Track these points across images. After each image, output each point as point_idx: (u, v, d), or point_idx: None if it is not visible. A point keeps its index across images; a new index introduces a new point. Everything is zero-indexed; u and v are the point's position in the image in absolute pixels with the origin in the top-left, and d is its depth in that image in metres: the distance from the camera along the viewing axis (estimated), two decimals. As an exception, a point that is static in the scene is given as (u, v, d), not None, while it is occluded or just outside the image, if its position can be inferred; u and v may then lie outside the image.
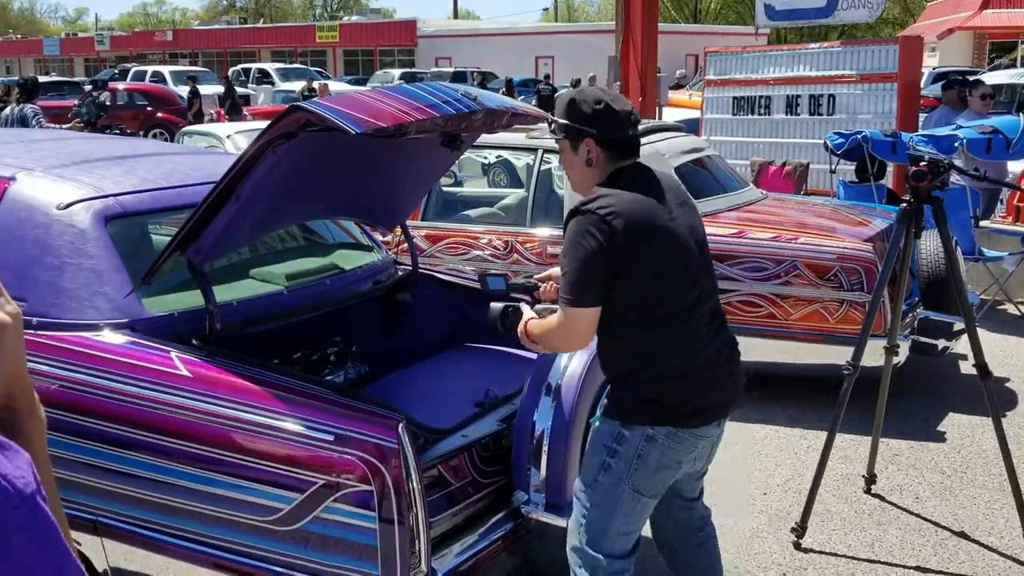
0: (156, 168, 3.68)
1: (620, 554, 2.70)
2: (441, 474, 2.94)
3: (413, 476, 2.66)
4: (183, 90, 22.25)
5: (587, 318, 2.53)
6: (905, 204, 3.61)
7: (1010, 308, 7.07)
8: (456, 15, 57.48)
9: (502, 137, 6.00)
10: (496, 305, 2.88)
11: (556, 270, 2.82)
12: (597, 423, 2.74)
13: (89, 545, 2.92)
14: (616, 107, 2.67)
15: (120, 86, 22.19)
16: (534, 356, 3.29)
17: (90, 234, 3.14)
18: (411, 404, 3.49)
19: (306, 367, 3.62)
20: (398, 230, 4.29)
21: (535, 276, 3.06)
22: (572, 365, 3.16)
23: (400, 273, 4.22)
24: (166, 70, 27.28)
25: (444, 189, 6.76)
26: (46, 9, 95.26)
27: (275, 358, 3.19)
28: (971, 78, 11.23)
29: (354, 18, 52.35)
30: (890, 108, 9.02)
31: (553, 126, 2.72)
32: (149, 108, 20.11)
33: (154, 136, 18.32)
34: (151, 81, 25.05)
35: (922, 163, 3.53)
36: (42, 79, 26.55)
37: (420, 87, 3.25)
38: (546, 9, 63.47)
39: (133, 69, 29.42)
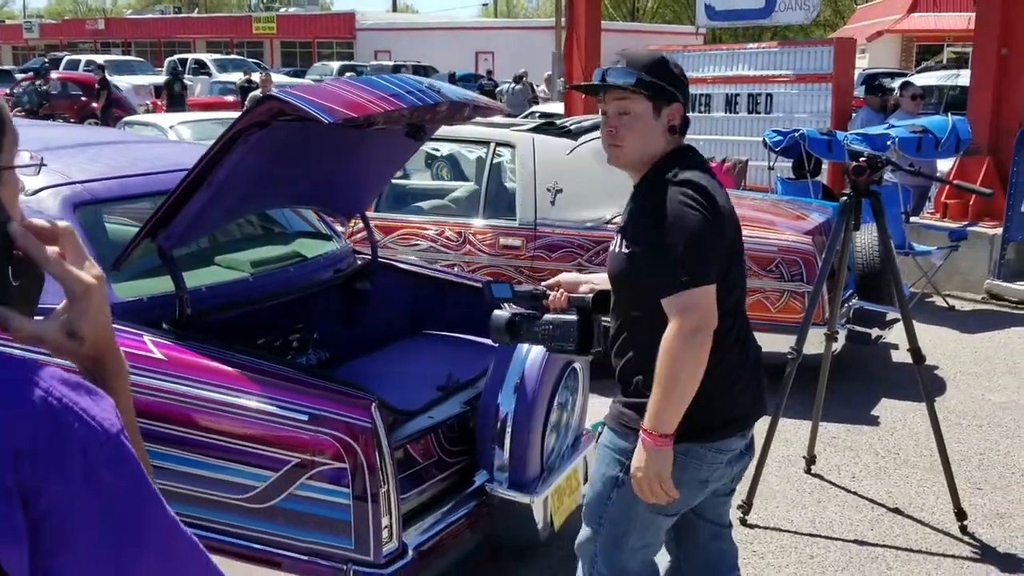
0: (121, 156, 3.72)
1: (638, 570, 2.55)
2: (409, 454, 3.04)
3: (385, 454, 2.77)
4: (119, 80, 21.89)
5: (711, 297, 2.21)
6: (845, 198, 3.81)
7: (938, 300, 7.39)
8: (395, 8, 57.21)
9: (457, 130, 6.11)
10: (501, 314, 2.64)
11: (565, 276, 2.69)
12: (602, 429, 2.55)
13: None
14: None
15: (53, 75, 21.73)
16: (493, 343, 3.41)
17: (59, 220, 3.17)
18: (375, 387, 3.60)
19: (270, 353, 3.69)
20: (355, 220, 4.38)
21: (543, 283, 2.69)
22: (535, 349, 3.29)
23: (359, 262, 4.31)
24: (100, 59, 26.72)
25: (395, 181, 6.84)
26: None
27: (240, 343, 3.26)
28: (900, 80, 11.64)
29: (292, 9, 51.78)
30: (825, 107, 9.29)
31: (635, 81, 2.32)
32: (84, 97, 19.73)
33: (88, 124, 17.99)
34: (85, 71, 24.53)
35: (861, 159, 3.73)
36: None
37: (387, 79, 3.35)
38: (485, 4, 63.52)
39: (66, 58, 28.77)
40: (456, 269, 5.42)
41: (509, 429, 3.19)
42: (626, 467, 2.35)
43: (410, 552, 2.85)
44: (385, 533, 2.78)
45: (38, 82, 17.47)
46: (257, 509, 2.78)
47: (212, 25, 48.69)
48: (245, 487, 2.76)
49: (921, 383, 3.94)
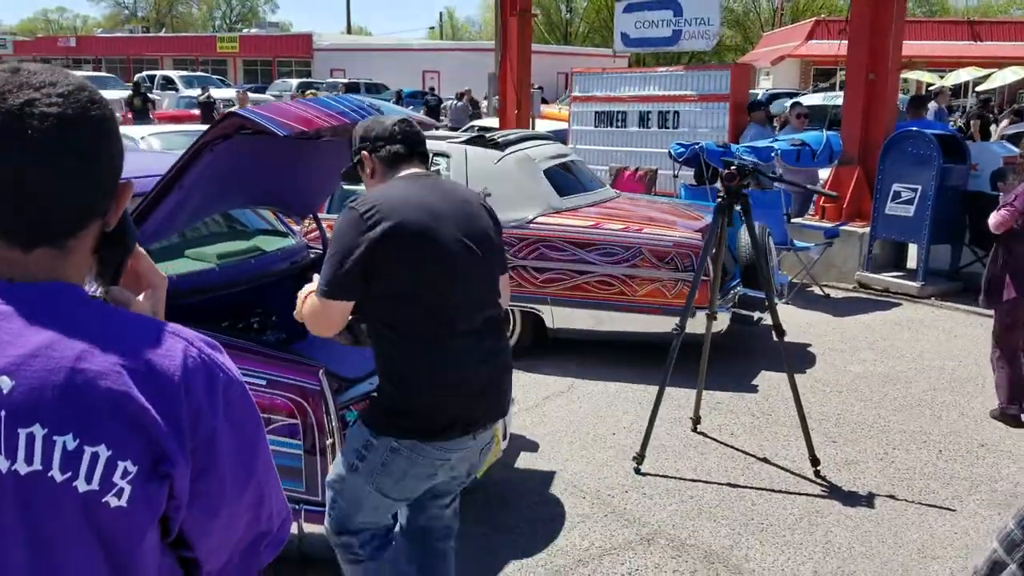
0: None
1: (371, 527, 2.59)
2: (352, 412, 3.31)
3: (331, 412, 3.03)
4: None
5: (333, 311, 2.37)
6: (719, 200, 4.16)
7: (816, 289, 7.84)
8: (349, 30, 56.96)
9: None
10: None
11: None
12: (353, 422, 2.72)
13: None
14: (386, 124, 2.61)
15: (29, 89, 21.29)
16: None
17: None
18: (326, 359, 3.85)
19: (233, 333, 3.91)
20: (308, 220, 4.62)
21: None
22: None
23: (312, 255, 4.55)
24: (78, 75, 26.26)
25: (347, 187, 7.06)
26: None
27: (207, 326, 3.48)
28: (790, 100, 12.13)
29: (253, 30, 51.27)
30: (723, 123, 9.70)
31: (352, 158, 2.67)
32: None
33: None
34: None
35: (732, 167, 4.09)
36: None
37: (333, 99, 3.61)
38: (432, 27, 63.57)
39: (40, 73, 28.16)
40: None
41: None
42: (360, 455, 2.45)
43: (353, 493, 3.11)
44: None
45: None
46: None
47: (179, 44, 48.01)
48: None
49: (783, 353, 4.30)
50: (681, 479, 4.16)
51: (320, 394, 3.00)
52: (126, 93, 22.53)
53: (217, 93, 23.40)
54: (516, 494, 3.98)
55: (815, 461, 4.19)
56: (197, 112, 19.64)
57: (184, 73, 32.11)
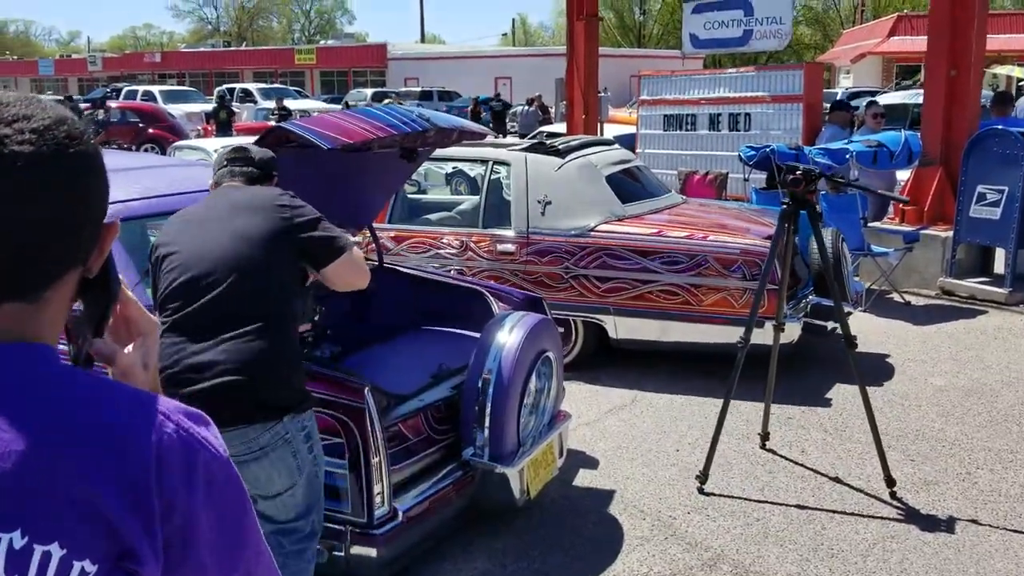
0: (156, 179, 3.93)
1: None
2: (401, 431, 3.23)
3: (377, 431, 2.96)
4: (173, 108, 22.27)
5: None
6: (784, 206, 3.96)
7: (896, 296, 7.49)
8: (423, 39, 57.56)
9: (460, 150, 6.30)
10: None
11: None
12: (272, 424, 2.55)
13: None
14: (222, 155, 2.90)
15: (113, 104, 22.12)
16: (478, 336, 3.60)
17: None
18: (377, 375, 3.78)
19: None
20: (366, 231, 4.58)
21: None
22: (510, 340, 3.47)
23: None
24: (155, 89, 27.16)
25: (409, 196, 7.04)
26: (41, 32, 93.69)
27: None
28: (867, 99, 11.70)
29: (330, 42, 52.24)
30: (796, 125, 9.39)
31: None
32: (141, 124, 20.08)
33: (145, 150, 18.32)
34: (142, 99, 24.96)
35: (797, 172, 3.88)
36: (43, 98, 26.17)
37: (381, 109, 3.56)
38: (505, 34, 63.77)
39: (125, 88, 29.24)
40: (454, 273, 5.61)
41: (488, 410, 3.37)
42: (310, 437, 2.63)
43: (400, 515, 3.04)
44: (377, 499, 2.97)
45: (92, 111, 17.66)
46: (269, 478, 2.98)
47: (258, 57, 49.20)
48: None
49: (853, 365, 4.07)
50: (747, 500, 3.97)
51: (365, 412, 2.92)
52: (208, 106, 23.18)
53: (293, 104, 23.84)
54: (573, 513, 3.85)
55: (890, 481, 3.96)
56: (274, 124, 20.05)
57: (262, 85, 32.84)
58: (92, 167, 0.91)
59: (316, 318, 3.31)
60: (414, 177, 7.59)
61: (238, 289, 2.50)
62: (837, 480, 4.16)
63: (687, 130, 10.29)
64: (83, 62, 55.17)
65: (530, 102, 21.44)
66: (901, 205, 7.90)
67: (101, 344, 1.02)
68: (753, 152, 7.87)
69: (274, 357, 2.50)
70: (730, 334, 5.35)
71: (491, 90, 33.81)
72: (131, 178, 3.83)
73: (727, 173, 9.27)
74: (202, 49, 54.39)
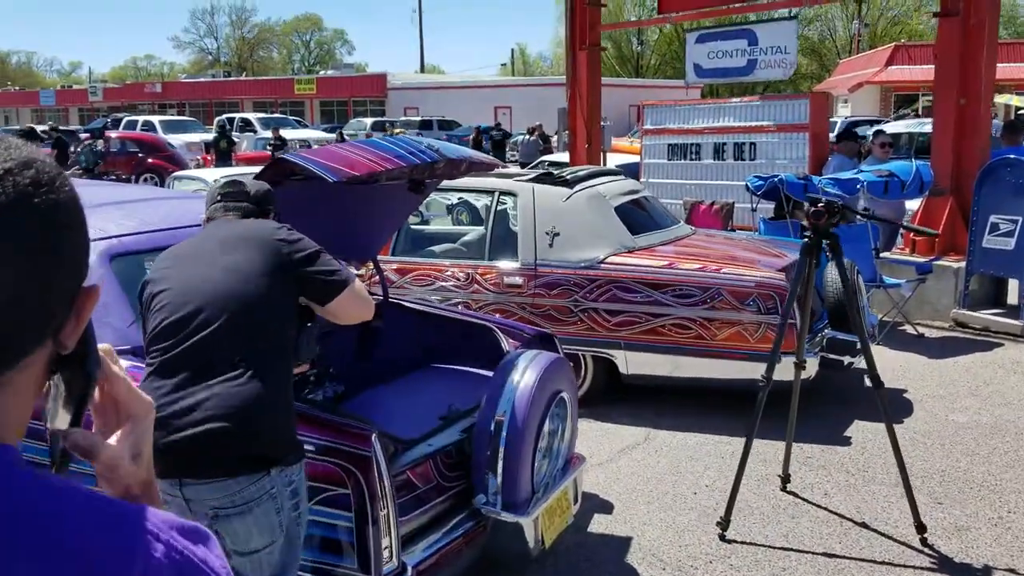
0: (153, 212, 3.77)
1: None
2: (410, 479, 3.04)
3: (385, 481, 2.77)
4: (173, 138, 22.20)
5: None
6: (806, 239, 3.81)
7: (908, 328, 7.33)
8: (423, 69, 57.82)
9: (464, 181, 6.15)
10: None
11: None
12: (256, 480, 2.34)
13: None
14: (214, 189, 2.75)
15: (113, 134, 22.06)
16: (491, 375, 3.43)
17: (97, 271, 3.23)
18: (383, 418, 3.61)
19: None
20: (370, 264, 4.42)
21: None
22: (524, 381, 3.30)
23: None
24: (155, 119, 27.14)
25: (412, 227, 6.89)
26: (42, 63, 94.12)
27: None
28: (875, 128, 11.61)
29: (329, 72, 52.45)
30: (802, 154, 9.29)
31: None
32: (140, 154, 19.97)
33: (144, 180, 18.21)
34: (142, 129, 24.91)
35: (819, 204, 3.73)
36: (38, 128, 26.20)
37: (389, 140, 3.41)
38: (504, 64, 64.12)
39: (125, 119, 29.23)
40: (460, 307, 5.45)
41: (501, 455, 3.19)
42: (296, 493, 2.45)
43: (409, 570, 2.84)
44: (386, 553, 2.78)
45: (91, 142, 17.57)
46: (270, 531, 2.79)
47: (258, 87, 49.34)
48: (259, 511, 2.76)
49: (881, 406, 3.89)
50: (771, 548, 3.77)
51: (372, 461, 2.74)
52: (208, 136, 23.14)
53: (291, 134, 23.80)
54: (589, 563, 3.65)
55: (921, 528, 3.76)
56: (276, 155, 19.99)
57: (262, 115, 32.87)
58: (65, 220, 0.75)
59: (314, 358, 3.14)
60: (423, 210, 7.46)
61: (230, 328, 2.33)
62: (864, 526, 3.97)
63: (692, 159, 10.19)
64: (84, 92, 55.35)
65: (531, 131, 21.40)
66: (914, 236, 7.75)
67: (78, 436, 0.84)
68: (761, 182, 7.76)
69: (266, 403, 2.32)
70: (744, 369, 5.19)
71: (491, 119, 33.86)
72: (127, 211, 3.67)
73: (733, 203, 9.15)
74: (202, 79, 54.60)
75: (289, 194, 3.16)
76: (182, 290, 2.41)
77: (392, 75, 44.77)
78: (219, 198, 2.66)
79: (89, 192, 4.25)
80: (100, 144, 19.78)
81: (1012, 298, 7.47)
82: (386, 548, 2.77)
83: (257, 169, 3.38)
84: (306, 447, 2.78)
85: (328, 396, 3.90)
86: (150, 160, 19.46)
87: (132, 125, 26.57)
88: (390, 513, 2.78)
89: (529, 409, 3.24)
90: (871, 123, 18.22)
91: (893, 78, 30.49)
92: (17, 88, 66.07)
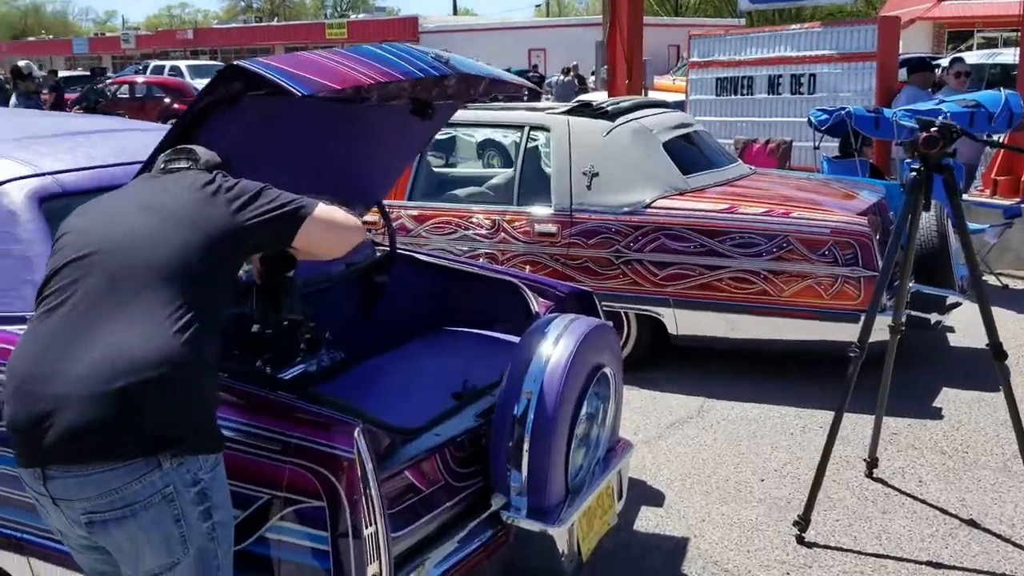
0: (104, 144, 3.08)
1: None
2: (409, 480, 2.37)
3: (372, 488, 2.10)
4: (199, 83, 21.57)
5: (330, 209, 2.06)
6: (914, 173, 3.03)
7: (991, 279, 6.50)
8: (455, 11, 56.46)
9: (489, 114, 5.41)
10: None
11: None
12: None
13: (16, 565, 2.38)
14: None
15: (139, 79, 21.59)
16: (517, 341, 2.74)
17: (21, 216, 2.56)
18: (385, 396, 2.94)
19: (276, 355, 3.01)
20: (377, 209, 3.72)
21: None
22: (557, 352, 2.59)
23: (378, 254, 3.65)
24: (183, 64, 26.59)
25: (434, 169, 6.17)
26: (78, 12, 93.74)
27: (242, 343, 2.60)
28: (949, 57, 10.60)
29: (361, 16, 51.46)
30: (869, 86, 8.42)
31: None
32: (166, 99, 19.50)
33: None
34: (169, 74, 24.39)
35: (933, 128, 2.95)
36: (65, 73, 25.88)
37: (384, 47, 2.66)
38: (538, 5, 62.36)
39: (152, 64, 28.73)
40: (483, 260, 4.76)
41: (526, 445, 2.50)
42: (205, 497, 1.83)
43: (405, 603, 2.19)
44: (374, 582, 2.12)
45: (95, 83, 17.02)
46: (224, 553, 2.15)
47: (289, 32, 48.44)
48: (210, 527, 2.11)
49: (1002, 381, 3.18)
50: (863, 554, 3.06)
51: (355, 463, 2.07)
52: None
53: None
54: (636, 573, 2.98)
55: (1052, 532, 3.04)
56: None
57: (291, 60, 32.09)
58: None
59: (301, 317, 2.49)
60: (439, 148, 6.73)
61: (136, 275, 1.79)
62: (973, 524, 3.24)
63: (743, 94, 9.32)
64: (117, 40, 54.82)
65: (566, 72, 20.42)
66: (998, 172, 6.87)
67: None
68: (826, 116, 6.94)
69: (173, 368, 1.71)
70: (816, 330, 4.45)
71: (525, 62, 32.74)
72: (70, 144, 2.99)
73: (791, 141, 8.29)
74: (233, 25, 53.82)
75: (250, 116, 2.46)
76: (86, 229, 1.91)
77: (424, 18, 43.61)
78: (163, 164, 2.13)
79: (33, 122, 3.59)
80: (99, 84, 19.36)
81: (1111, 245, 6.59)
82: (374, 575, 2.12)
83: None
84: (269, 445, 2.12)
85: (324, 365, 3.21)
86: (176, 105, 18.91)
87: (159, 70, 26.02)
88: (379, 530, 2.12)
89: (563, 388, 2.53)
90: (922, 59, 16.97)
91: (946, 14, 28.83)
92: (52, 37, 65.80)
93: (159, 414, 1.69)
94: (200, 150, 2.18)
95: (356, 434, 2.09)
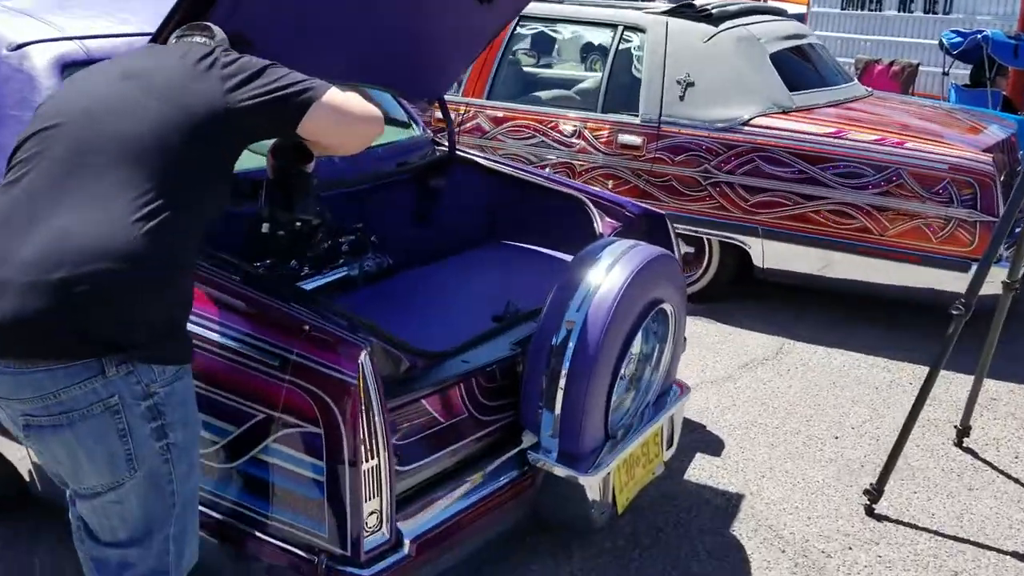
0: (144, 10, 2.84)
1: None
2: (427, 410, 2.13)
3: (376, 418, 1.87)
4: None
5: (346, 94, 1.78)
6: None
7: None
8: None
9: (582, 10, 4.97)
10: None
11: None
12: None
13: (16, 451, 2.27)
14: None
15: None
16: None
17: (42, 82, 2.37)
18: (421, 310, 2.70)
19: (317, 257, 2.78)
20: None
21: None
22: (609, 280, 2.28)
23: (438, 153, 3.36)
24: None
25: (521, 68, 5.80)
26: None
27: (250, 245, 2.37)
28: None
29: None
30: (1013, 10, 7.59)
31: None
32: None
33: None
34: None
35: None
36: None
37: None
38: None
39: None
40: (556, 171, 4.43)
41: (563, 381, 2.22)
42: (158, 414, 1.61)
43: (406, 545, 1.97)
44: (372, 519, 1.91)
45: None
46: (214, 469, 1.96)
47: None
48: (202, 440, 1.92)
49: None
50: (939, 535, 2.71)
51: (357, 388, 1.83)
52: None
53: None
54: (679, 528, 2.71)
55: None
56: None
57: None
58: None
59: (318, 222, 2.24)
60: (528, 45, 6.32)
61: (106, 143, 1.56)
62: (1076, 515, 2.85)
63: (871, 10, 8.53)
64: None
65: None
66: None
67: None
68: (960, 39, 6.29)
69: (126, 263, 1.47)
70: (919, 276, 4.01)
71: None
72: (104, 8, 2.76)
73: (918, 64, 7.57)
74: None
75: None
76: (62, 97, 1.71)
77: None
78: (176, 38, 1.90)
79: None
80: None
81: None
82: (372, 513, 1.90)
83: None
84: (267, 359, 1.90)
85: (368, 270, 2.98)
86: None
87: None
88: (381, 464, 1.89)
89: (610, 321, 2.23)
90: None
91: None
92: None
93: (105, 314, 1.47)
94: (216, 29, 1.92)
95: (362, 357, 1.85)
